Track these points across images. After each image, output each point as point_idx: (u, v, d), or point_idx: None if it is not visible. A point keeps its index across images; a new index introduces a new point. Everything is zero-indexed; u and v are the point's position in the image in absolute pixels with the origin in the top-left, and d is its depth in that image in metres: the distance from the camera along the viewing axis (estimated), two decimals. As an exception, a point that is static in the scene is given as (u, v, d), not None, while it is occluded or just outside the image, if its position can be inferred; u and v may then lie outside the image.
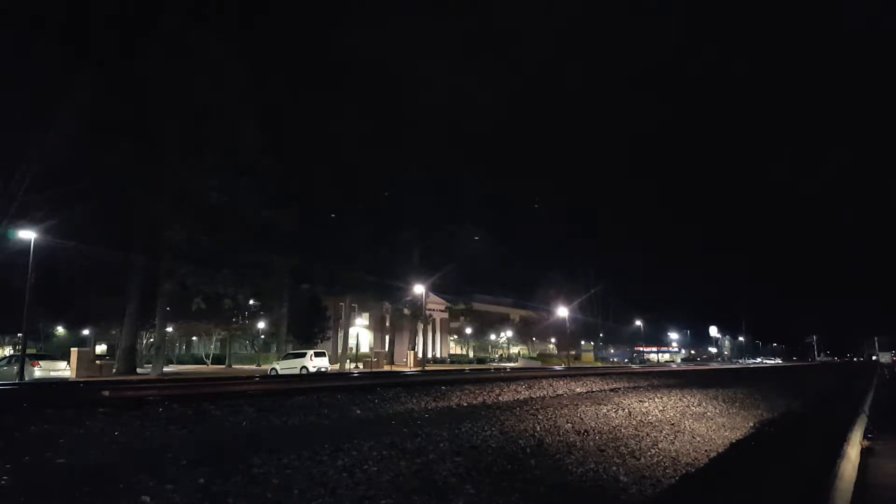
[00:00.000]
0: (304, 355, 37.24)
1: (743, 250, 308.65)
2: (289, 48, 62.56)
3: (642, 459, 9.13)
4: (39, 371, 26.11)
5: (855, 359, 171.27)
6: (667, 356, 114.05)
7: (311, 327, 50.17)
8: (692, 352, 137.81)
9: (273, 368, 37.92)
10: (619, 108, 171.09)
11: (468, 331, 74.91)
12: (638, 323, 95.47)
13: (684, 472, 8.98)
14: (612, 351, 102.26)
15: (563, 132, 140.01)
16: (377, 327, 66.30)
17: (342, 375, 29.33)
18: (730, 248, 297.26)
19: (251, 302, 48.09)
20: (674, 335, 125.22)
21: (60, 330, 57.78)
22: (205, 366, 50.49)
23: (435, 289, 57.47)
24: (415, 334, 55.78)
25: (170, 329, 47.38)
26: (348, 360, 51.01)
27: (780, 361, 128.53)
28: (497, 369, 36.98)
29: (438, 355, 69.97)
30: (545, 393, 14.45)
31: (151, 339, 46.94)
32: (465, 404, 11.30)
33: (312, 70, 66.10)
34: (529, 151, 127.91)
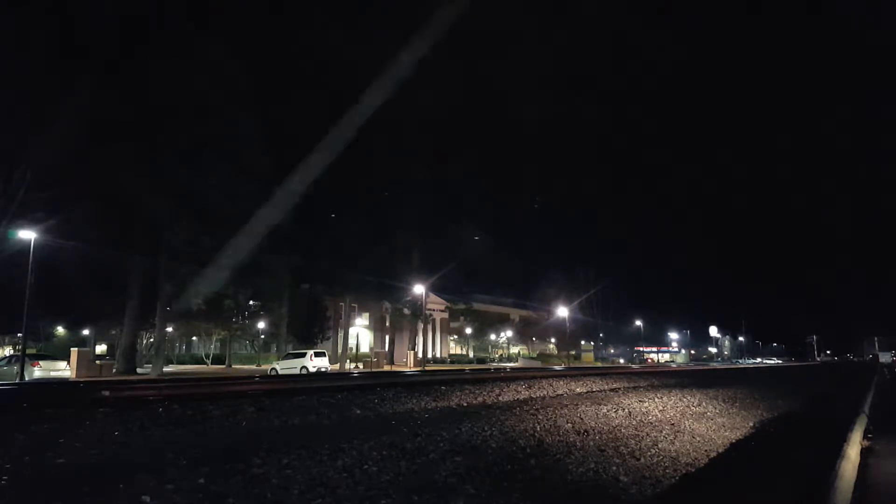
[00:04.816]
0: (304, 355, 37.25)
1: (743, 250, 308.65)
2: (284, 47, 62.40)
3: (642, 459, 9.12)
4: (39, 371, 26.13)
5: (855, 359, 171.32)
6: (667, 356, 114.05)
7: (311, 327, 50.21)
8: (692, 352, 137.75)
9: (273, 368, 37.92)
10: (617, 106, 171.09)
11: (468, 331, 74.91)
12: (638, 323, 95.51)
13: (684, 471, 8.97)
14: (612, 351, 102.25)
15: (561, 132, 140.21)
16: (377, 327, 66.30)
17: (342, 375, 29.33)
18: (730, 248, 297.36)
19: (251, 302, 48.13)
20: (674, 335, 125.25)
21: (60, 330, 57.69)
22: (205, 366, 50.43)
23: (435, 289, 57.51)
24: (415, 334, 55.82)
25: (170, 329, 47.36)
26: (348, 360, 51.00)
27: (780, 361, 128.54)
28: (497, 369, 36.98)
29: (438, 355, 69.98)
30: (545, 393, 14.46)
31: (151, 339, 46.93)
32: (465, 404, 11.31)
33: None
34: (529, 151, 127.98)
